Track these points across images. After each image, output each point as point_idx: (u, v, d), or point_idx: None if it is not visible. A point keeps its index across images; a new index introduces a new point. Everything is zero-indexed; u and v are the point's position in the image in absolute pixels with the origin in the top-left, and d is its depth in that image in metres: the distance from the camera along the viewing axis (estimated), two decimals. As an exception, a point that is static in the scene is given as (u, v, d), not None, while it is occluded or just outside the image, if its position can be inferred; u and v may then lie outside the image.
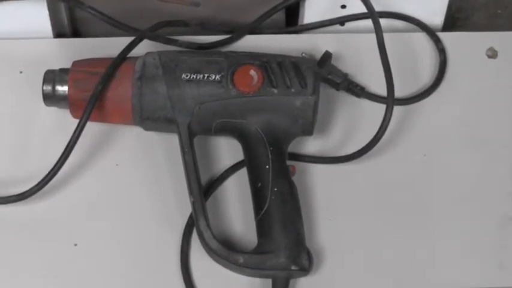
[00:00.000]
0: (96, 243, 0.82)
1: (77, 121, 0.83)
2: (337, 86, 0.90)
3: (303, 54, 0.90)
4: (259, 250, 0.79)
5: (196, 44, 0.92)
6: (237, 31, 0.93)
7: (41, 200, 0.83)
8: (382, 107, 0.85)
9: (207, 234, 0.79)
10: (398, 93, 0.87)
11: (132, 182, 0.85)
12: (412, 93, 0.91)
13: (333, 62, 0.89)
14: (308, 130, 0.84)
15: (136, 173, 0.85)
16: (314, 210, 0.84)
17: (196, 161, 0.82)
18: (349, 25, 0.96)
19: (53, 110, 0.87)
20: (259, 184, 0.80)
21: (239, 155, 0.84)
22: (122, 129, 0.87)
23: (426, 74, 0.93)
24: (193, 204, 0.80)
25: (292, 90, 0.82)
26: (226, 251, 0.78)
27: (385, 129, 0.84)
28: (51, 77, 0.85)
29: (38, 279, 0.80)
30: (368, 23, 0.89)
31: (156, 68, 0.83)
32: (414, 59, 0.93)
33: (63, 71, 0.85)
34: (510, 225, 0.84)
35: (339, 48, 0.92)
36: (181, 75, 0.82)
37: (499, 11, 1.02)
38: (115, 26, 0.91)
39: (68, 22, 0.96)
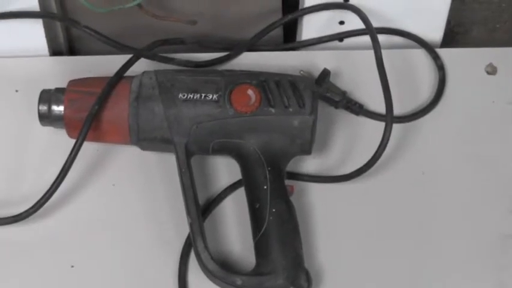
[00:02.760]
0: (93, 265, 0.81)
1: (73, 141, 0.82)
2: (335, 104, 0.89)
3: (301, 72, 0.89)
4: (257, 271, 0.78)
5: (194, 62, 0.91)
6: (234, 48, 0.93)
7: (37, 221, 0.82)
8: (381, 125, 0.85)
9: (204, 256, 0.78)
10: (397, 110, 0.87)
11: (129, 203, 0.84)
12: (411, 111, 0.91)
13: (331, 78, 0.89)
14: (306, 149, 0.83)
15: (133, 193, 0.85)
16: (313, 230, 0.83)
17: (193, 181, 0.81)
18: (348, 41, 0.96)
19: (49, 129, 0.86)
20: (257, 205, 0.80)
21: (237, 175, 0.84)
22: (118, 149, 0.87)
23: (425, 90, 0.92)
24: (191, 225, 0.79)
25: (290, 109, 0.81)
26: (224, 272, 0.78)
27: (384, 148, 0.84)
28: (47, 96, 0.84)
29: (34, 301, 0.80)
30: (367, 38, 0.89)
31: (152, 88, 0.82)
32: (413, 75, 0.93)
33: (58, 90, 0.84)
34: (510, 244, 0.83)
35: (337, 65, 0.92)
36: (178, 95, 0.82)
37: (498, 26, 1.02)
38: (111, 45, 0.90)
39: (64, 40, 0.95)
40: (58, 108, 0.84)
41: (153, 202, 0.84)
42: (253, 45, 0.94)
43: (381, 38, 0.88)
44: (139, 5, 0.87)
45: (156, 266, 0.81)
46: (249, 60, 0.93)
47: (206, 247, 0.78)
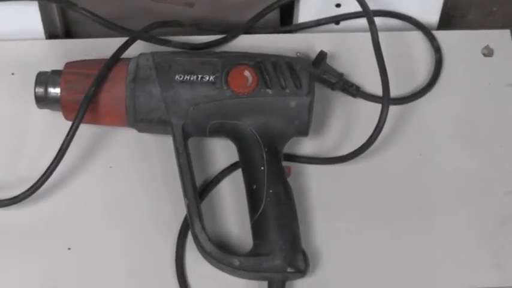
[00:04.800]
0: (90, 247, 0.81)
1: (70, 123, 0.82)
2: (332, 86, 0.89)
3: (298, 54, 0.89)
4: (254, 252, 0.78)
5: (190, 45, 0.91)
6: (231, 31, 0.93)
7: (34, 203, 0.82)
8: (378, 107, 0.85)
9: (202, 237, 0.78)
10: (393, 92, 0.87)
11: (126, 185, 0.84)
12: (408, 93, 0.91)
13: (328, 61, 0.89)
14: (303, 131, 0.83)
15: (130, 175, 0.85)
16: (310, 211, 0.83)
17: (190, 163, 0.81)
18: (344, 24, 0.96)
19: (46, 112, 0.86)
20: (255, 186, 0.80)
21: (234, 156, 0.84)
22: (115, 131, 0.86)
23: (422, 73, 0.92)
24: (188, 206, 0.79)
25: (287, 90, 0.81)
26: (221, 253, 0.78)
27: (381, 129, 0.84)
28: (44, 79, 0.84)
29: (31, 283, 0.80)
30: (363, 21, 0.88)
31: (149, 70, 0.82)
32: (410, 57, 0.93)
33: (55, 72, 0.84)
34: (507, 225, 0.83)
35: (334, 48, 0.92)
36: (175, 77, 0.81)
37: (495, 9, 1.02)
38: (108, 27, 0.90)
39: (61, 23, 0.95)
40: (55, 91, 0.83)
41: (151, 184, 0.84)
42: (250, 28, 0.94)
43: (378, 20, 0.88)
44: (136, -13, 0.87)
45: (154, 248, 0.81)
46: (246, 43, 0.93)
47: (203, 228, 0.78)
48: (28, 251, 0.81)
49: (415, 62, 0.93)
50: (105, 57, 0.84)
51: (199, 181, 0.83)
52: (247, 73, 0.82)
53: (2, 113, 0.88)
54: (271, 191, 0.79)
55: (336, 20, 0.95)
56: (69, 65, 0.84)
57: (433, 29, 0.96)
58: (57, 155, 0.82)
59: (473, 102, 0.90)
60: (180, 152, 0.81)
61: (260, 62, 0.82)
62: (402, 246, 0.82)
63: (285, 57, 0.84)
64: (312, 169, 0.85)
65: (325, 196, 0.84)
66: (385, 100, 0.85)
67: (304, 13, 0.95)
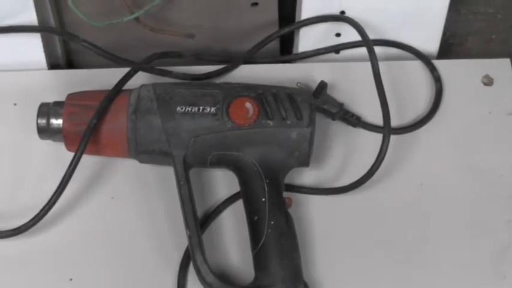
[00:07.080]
0: (91, 278, 0.81)
1: (72, 153, 0.83)
2: (333, 116, 0.89)
3: (298, 84, 0.90)
4: (256, 284, 0.78)
5: (191, 75, 0.91)
6: (232, 61, 0.93)
7: (36, 234, 0.83)
8: (379, 136, 0.85)
9: (203, 269, 0.78)
10: (394, 121, 0.87)
11: (127, 215, 0.84)
12: (408, 122, 0.91)
13: (328, 90, 0.89)
14: (304, 162, 0.83)
15: (132, 206, 0.85)
16: (311, 242, 0.83)
17: (192, 194, 0.81)
18: (344, 53, 0.96)
19: (48, 142, 0.86)
20: (256, 217, 0.80)
21: (235, 187, 0.84)
22: (117, 162, 0.87)
23: (422, 102, 0.92)
24: (190, 238, 0.79)
25: (288, 122, 0.82)
26: (223, 285, 0.78)
27: (382, 160, 0.84)
28: (46, 110, 0.84)
29: (33, 315, 0.80)
30: (363, 50, 0.89)
31: (150, 101, 0.82)
32: (410, 87, 0.93)
33: (57, 104, 0.85)
34: (508, 255, 0.83)
35: (334, 77, 0.92)
36: (176, 108, 0.82)
37: (493, 37, 1.02)
38: (109, 59, 0.90)
39: (62, 54, 0.95)
40: (57, 122, 0.84)
41: (152, 215, 0.84)
42: (251, 58, 0.94)
43: (377, 49, 0.89)
44: (137, 19, 0.87)
45: (155, 279, 0.81)
46: (247, 73, 0.93)
47: (205, 260, 0.78)
48: (29, 281, 0.81)
49: (415, 91, 0.93)
50: (107, 88, 0.85)
51: (200, 212, 0.83)
52: (248, 105, 0.82)
53: (4, 143, 0.89)
54: (272, 222, 0.79)
55: (336, 49, 0.96)
56: (71, 96, 0.85)
57: (433, 57, 0.96)
58: (59, 186, 0.82)
59: (474, 132, 0.91)
60: (182, 183, 0.81)
61: (261, 94, 0.83)
62: (403, 276, 0.82)
63: (286, 88, 0.84)
64: (313, 200, 0.86)
65: (327, 227, 0.84)
66: (386, 130, 0.85)
67: (304, 42, 0.95)
